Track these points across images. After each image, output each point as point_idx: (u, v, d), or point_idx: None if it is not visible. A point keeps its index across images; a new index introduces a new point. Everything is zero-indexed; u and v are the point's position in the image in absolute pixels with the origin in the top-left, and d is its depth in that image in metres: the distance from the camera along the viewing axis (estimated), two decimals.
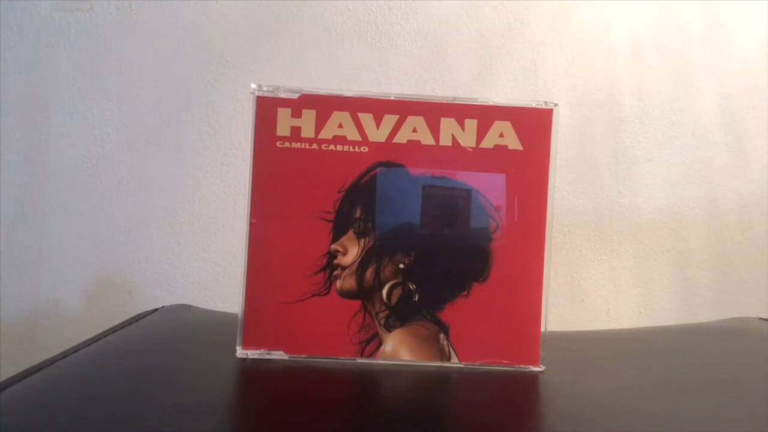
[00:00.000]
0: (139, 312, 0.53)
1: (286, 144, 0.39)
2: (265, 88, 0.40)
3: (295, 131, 0.39)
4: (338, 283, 0.39)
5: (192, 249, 0.81)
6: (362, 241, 0.40)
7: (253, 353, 0.39)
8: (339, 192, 0.39)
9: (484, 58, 0.83)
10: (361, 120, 0.40)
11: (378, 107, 0.40)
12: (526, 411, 0.35)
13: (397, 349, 0.39)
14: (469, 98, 0.40)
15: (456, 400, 0.36)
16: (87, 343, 0.42)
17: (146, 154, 0.81)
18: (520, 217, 0.40)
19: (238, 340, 0.39)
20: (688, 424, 0.32)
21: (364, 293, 0.40)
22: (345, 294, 0.40)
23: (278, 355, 0.39)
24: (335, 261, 0.39)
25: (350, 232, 0.40)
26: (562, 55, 0.83)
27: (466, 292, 0.40)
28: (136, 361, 0.39)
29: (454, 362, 0.39)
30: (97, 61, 0.81)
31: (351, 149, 0.40)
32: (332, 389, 0.36)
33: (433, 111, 0.40)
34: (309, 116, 0.40)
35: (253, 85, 0.40)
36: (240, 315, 0.39)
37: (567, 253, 0.83)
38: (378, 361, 0.39)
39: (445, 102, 0.40)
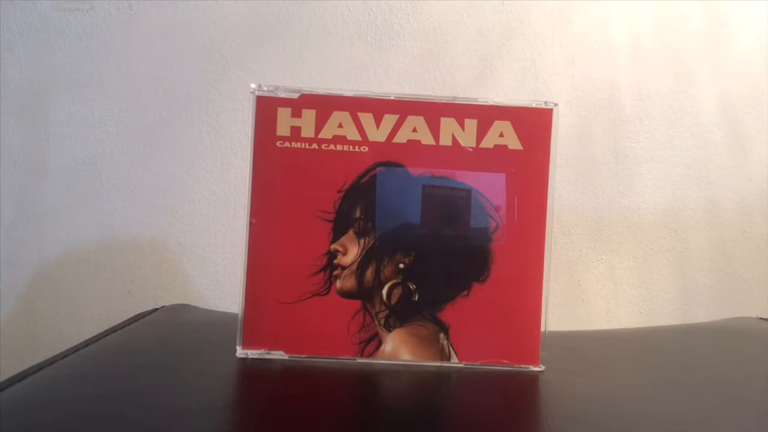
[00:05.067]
0: (139, 312, 0.53)
1: (286, 144, 0.39)
2: (265, 88, 0.40)
3: (295, 131, 0.39)
4: (338, 283, 0.39)
5: (192, 249, 0.81)
6: (362, 241, 0.40)
7: (253, 353, 0.39)
8: (339, 192, 0.39)
9: (484, 57, 0.83)
10: (361, 120, 0.40)
11: (378, 107, 0.40)
12: (526, 411, 0.35)
13: (397, 349, 0.39)
14: (469, 98, 0.40)
15: (456, 400, 0.36)
16: (87, 343, 0.42)
17: (146, 154, 0.81)
18: (520, 217, 0.40)
19: (238, 340, 0.39)
20: (688, 424, 0.32)
21: (364, 293, 0.40)
22: (345, 294, 0.39)
23: (278, 355, 0.39)
24: (335, 261, 0.39)
25: (350, 232, 0.40)
26: (562, 55, 0.83)
27: (466, 292, 0.40)
28: (136, 361, 0.39)
29: (454, 362, 0.39)
30: (97, 61, 0.81)
31: (351, 149, 0.40)
32: (332, 389, 0.36)
33: (433, 111, 0.40)
34: (309, 116, 0.39)
35: (253, 85, 0.40)
36: (240, 315, 0.39)
37: (567, 253, 0.83)
38: (378, 361, 0.39)
39: (445, 102, 0.40)
